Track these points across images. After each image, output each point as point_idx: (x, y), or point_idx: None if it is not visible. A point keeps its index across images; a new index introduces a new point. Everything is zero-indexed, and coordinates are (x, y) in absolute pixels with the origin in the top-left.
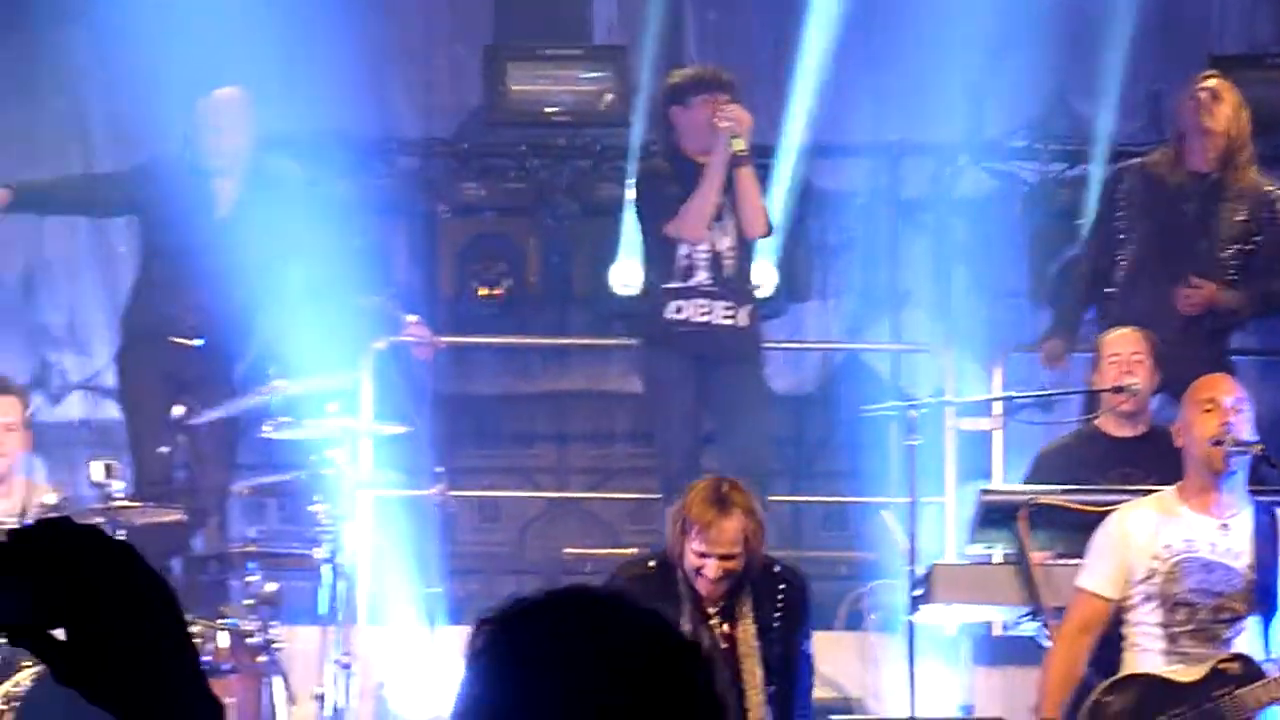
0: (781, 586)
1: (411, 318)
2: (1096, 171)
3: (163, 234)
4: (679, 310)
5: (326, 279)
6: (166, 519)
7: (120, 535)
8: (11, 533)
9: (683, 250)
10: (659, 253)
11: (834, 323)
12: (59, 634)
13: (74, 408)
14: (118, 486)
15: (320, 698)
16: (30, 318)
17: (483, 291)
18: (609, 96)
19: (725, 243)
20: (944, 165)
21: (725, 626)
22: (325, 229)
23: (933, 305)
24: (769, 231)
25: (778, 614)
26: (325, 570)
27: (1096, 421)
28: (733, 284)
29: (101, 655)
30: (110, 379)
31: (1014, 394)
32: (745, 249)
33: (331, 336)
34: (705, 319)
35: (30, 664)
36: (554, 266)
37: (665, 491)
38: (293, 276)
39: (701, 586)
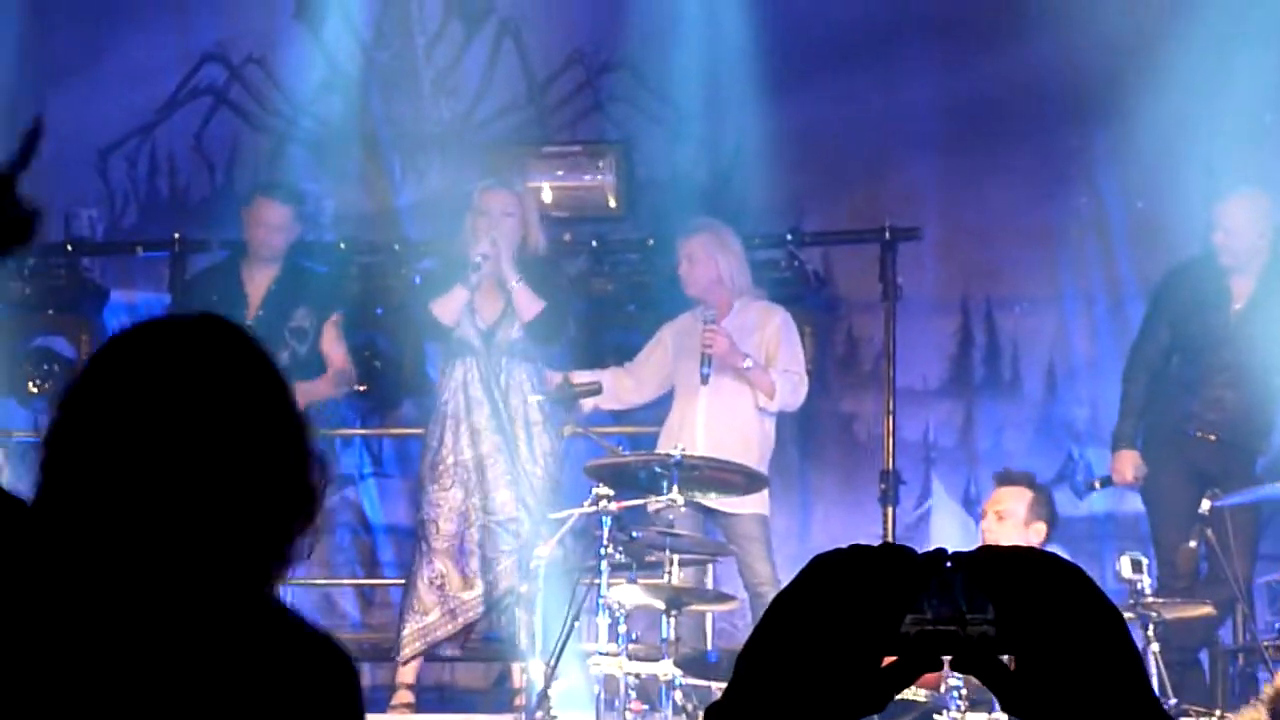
0: None
1: None
2: None
3: (1182, 330)
4: None
5: None
6: (1196, 613)
7: (1148, 631)
8: (962, 555)
9: None
10: None
11: None
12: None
13: (1099, 502)
14: (1145, 582)
15: None
16: (1055, 413)
17: None
18: None
19: None
20: None
21: None
22: None
23: None
24: None
25: None
26: None
27: None
28: None
29: (1053, 683)
30: None
31: None
32: None
33: None
34: None
35: None
36: None
37: None
38: None
39: None
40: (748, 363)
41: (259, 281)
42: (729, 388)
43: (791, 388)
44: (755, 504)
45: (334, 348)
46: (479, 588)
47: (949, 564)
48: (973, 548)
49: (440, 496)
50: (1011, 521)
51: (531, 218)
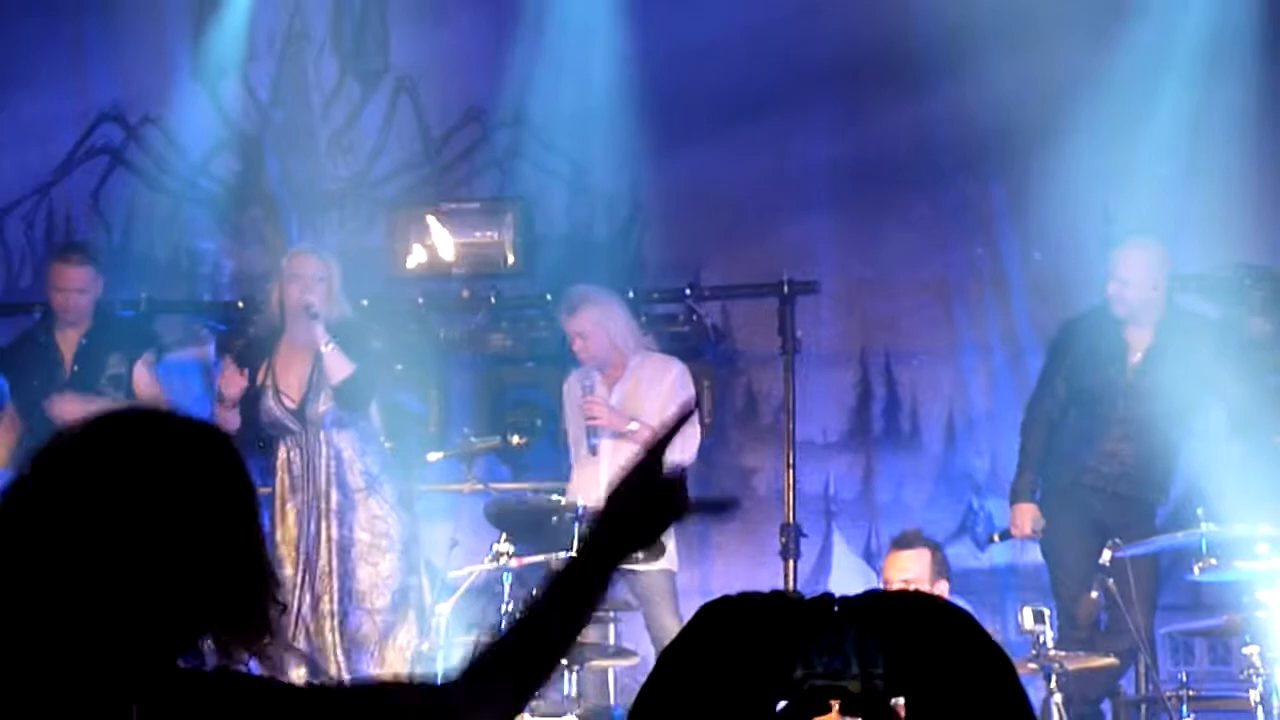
0: None
1: None
2: None
3: (1078, 383)
4: None
5: (1248, 418)
6: (1098, 664)
7: (1050, 682)
8: (849, 600)
9: None
10: None
11: None
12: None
13: (1000, 554)
14: (1048, 634)
15: None
16: (955, 464)
17: None
18: None
19: None
20: None
21: None
22: (1244, 367)
23: None
24: None
25: None
26: (1259, 713)
27: None
28: None
29: None
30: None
31: None
32: None
33: (1255, 476)
34: None
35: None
36: None
37: None
38: (1213, 416)
39: None
40: (633, 425)
41: (70, 338)
42: (627, 446)
43: (682, 442)
44: (662, 559)
45: (145, 387)
46: (304, 667)
47: (836, 609)
48: (859, 592)
49: None
50: (916, 585)
51: (337, 286)
